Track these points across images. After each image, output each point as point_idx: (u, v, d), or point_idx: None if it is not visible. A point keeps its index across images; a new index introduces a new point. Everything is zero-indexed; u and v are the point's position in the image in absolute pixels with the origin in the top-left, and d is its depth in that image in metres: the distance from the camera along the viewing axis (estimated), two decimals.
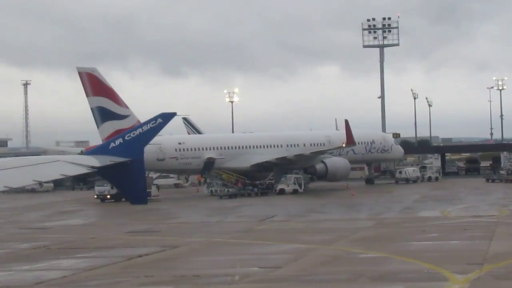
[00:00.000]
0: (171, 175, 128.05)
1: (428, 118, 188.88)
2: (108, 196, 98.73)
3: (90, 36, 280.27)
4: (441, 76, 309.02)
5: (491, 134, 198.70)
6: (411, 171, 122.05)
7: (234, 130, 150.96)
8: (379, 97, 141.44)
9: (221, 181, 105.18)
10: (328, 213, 73.52)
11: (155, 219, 72.47)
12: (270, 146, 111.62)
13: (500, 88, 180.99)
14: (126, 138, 30.75)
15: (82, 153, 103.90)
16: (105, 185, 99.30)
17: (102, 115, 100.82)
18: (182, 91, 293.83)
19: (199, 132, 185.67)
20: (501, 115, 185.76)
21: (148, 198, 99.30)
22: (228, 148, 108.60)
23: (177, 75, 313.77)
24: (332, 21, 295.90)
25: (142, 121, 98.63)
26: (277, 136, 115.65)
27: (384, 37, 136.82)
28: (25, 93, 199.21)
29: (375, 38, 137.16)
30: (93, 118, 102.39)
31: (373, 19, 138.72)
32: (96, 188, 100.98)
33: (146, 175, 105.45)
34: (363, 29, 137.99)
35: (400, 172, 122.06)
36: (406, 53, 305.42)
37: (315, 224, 62.16)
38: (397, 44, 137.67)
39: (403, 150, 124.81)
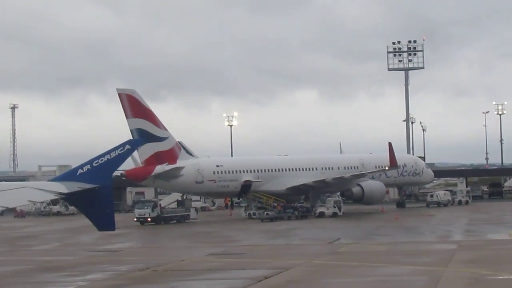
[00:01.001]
0: (193, 198, 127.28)
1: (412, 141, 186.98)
2: (149, 219, 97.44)
3: (68, 59, 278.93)
4: (419, 100, 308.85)
5: (487, 159, 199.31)
6: (442, 194, 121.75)
7: (221, 153, 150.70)
8: (404, 121, 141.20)
9: (259, 204, 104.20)
10: (392, 236, 72.67)
11: (217, 242, 71.36)
12: (305, 169, 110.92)
13: (500, 112, 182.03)
14: (94, 164, 30.99)
15: (122, 175, 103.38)
16: (146, 207, 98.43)
17: (142, 137, 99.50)
18: (159, 115, 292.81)
19: (192, 156, 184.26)
20: (501, 140, 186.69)
21: (187, 221, 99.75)
22: (265, 171, 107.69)
23: (154, 99, 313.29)
24: (310, 46, 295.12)
25: (177, 143, 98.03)
26: (312, 159, 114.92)
27: (409, 60, 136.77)
28: (13, 116, 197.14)
29: (400, 61, 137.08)
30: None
31: (398, 42, 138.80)
32: (136, 211, 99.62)
33: (185, 197, 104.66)
34: (388, 52, 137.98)
35: (432, 196, 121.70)
36: (387, 78, 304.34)
37: (396, 247, 61.22)
38: (422, 67, 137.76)
39: (433, 174, 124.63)
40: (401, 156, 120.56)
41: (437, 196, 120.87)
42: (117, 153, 31.15)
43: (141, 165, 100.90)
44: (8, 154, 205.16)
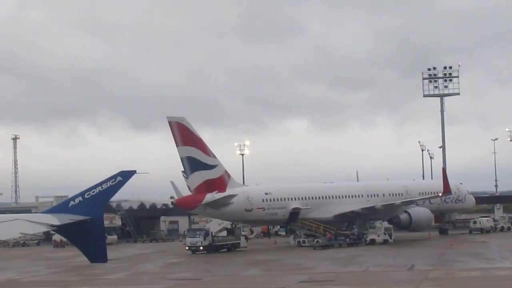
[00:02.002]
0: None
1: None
2: (201, 248, 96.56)
3: (59, 90, 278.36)
4: (409, 129, 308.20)
5: (496, 186, 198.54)
6: (485, 221, 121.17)
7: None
8: (440, 147, 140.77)
9: (308, 231, 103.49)
10: (465, 262, 71.93)
11: (291, 269, 70.70)
12: (352, 196, 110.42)
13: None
14: (85, 196, 31.16)
15: (172, 204, 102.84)
16: (197, 236, 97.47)
17: (192, 165, 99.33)
18: (148, 145, 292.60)
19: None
20: None
21: (237, 249, 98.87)
22: (312, 198, 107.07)
23: (145, 129, 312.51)
24: (302, 75, 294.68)
25: (226, 170, 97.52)
26: (358, 186, 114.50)
27: (445, 87, 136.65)
28: (14, 147, 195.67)
29: (435, 87, 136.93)
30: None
31: (434, 68, 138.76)
32: (188, 239, 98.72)
33: (235, 226, 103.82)
34: (423, 78, 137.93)
35: (475, 222, 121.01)
36: (377, 106, 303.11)
37: (487, 273, 60.54)
38: (458, 94, 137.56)
39: (474, 200, 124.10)
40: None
41: (480, 222, 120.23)
42: (108, 185, 31.21)
43: (191, 193, 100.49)
44: (10, 185, 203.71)
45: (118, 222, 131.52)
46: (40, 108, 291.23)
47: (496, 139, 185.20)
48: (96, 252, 31.53)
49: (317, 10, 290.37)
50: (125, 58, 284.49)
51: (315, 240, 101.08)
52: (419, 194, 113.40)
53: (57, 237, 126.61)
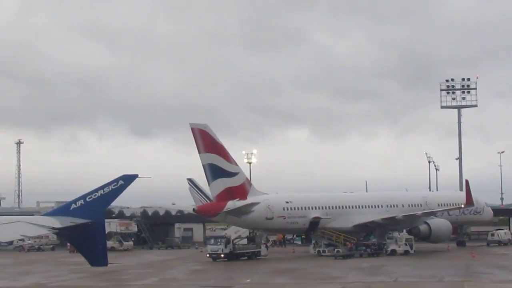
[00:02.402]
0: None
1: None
2: (222, 255, 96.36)
3: (60, 95, 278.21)
4: (410, 141, 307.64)
5: (502, 199, 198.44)
6: (503, 233, 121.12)
7: None
8: (457, 159, 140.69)
9: (328, 241, 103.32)
10: (494, 275, 71.79)
11: (319, 279, 70.61)
12: (371, 206, 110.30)
13: None
14: (87, 199, 31.04)
15: (194, 210, 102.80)
16: (218, 243, 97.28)
17: (213, 172, 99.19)
18: (148, 152, 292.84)
19: (205, 194, 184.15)
20: None
21: (258, 257, 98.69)
22: (332, 207, 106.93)
23: (144, 137, 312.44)
24: (303, 84, 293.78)
25: (247, 178, 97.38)
26: (377, 196, 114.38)
27: (463, 98, 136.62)
28: (18, 152, 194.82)
29: (453, 99, 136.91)
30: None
31: (452, 79, 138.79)
32: (209, 247, 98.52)
33: (255, 234, 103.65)
34: (441, 90, 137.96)
35: (493, 235, 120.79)
36: (378, 117, 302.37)
37: None
38: (475, 105, 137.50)
39: (492, 212, 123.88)
40: (462, 194, 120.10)
41: (498, 235, 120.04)
42: (110, 188, 31.19)
43: (213, 201, 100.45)
44: (13, 190, 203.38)
45: (134, 228, 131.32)
46: (40, 113, 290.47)
47: (502, 152, 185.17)
48: (97, 256, 31.56)
49: (320, 20, 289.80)
50: (127, 64, 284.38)
51: (336, 249, 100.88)
52: (438, 205, 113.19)
53: None
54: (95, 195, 31.04)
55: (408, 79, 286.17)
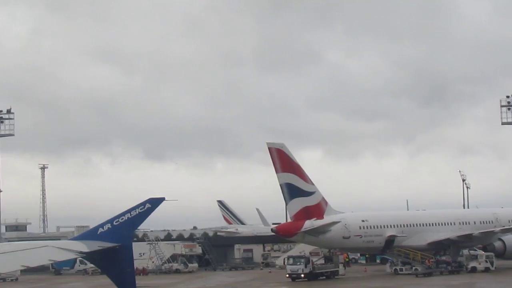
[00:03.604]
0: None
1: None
2: (302, 275, 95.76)
3: (73, 119, 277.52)
4: (423, 160, 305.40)
5: None
6: None
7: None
8: None
9: (404, 259, 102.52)
10: None
11: None
12: (444, 224, 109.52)
13: None
14: (114, 223, 30.86)
15: (272, 230, 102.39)
16: (298, 263, 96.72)
17: (290, 192, 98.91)
18: (162, 175, 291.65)
19: (235, 216, 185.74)
20: None
21: (336, 276, 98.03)
22: (407, 225, 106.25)
23: (158, 160, 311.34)
24: (316, 105, 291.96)
25: (323, 197, 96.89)
26: (450, 214, 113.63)
27: None
28: (42, 176, 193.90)
29: None
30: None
31: None
32: (288, 267, 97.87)
33: (333, 253, 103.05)
34: (501, 106, 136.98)
35: None
36: (392, 136, 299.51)
37: None
38: None
39: None
40: None
41: None
42: (137, 212, 31.10)
43: (290, 220, 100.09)
44: (39, 215, 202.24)
45: (198, 250, 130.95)
46: (53, 138, 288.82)
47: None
48: (125, 280, 31.28)
49: (333, 39, 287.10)
50: (139, 87, 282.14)
51: (414, 267, 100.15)
52: (509, 221, 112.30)
53: (138, 264, 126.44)
54: (122, 218, 30.96)
55: (423, 98, 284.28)
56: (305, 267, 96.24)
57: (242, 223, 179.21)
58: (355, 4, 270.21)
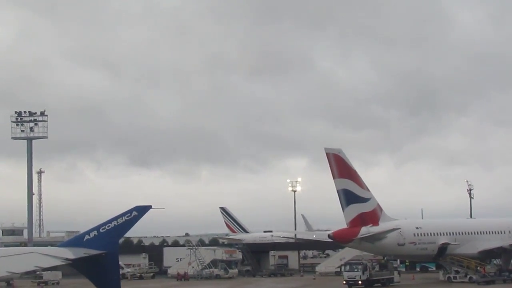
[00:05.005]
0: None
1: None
2: (360, 282, 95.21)
3: (58, 125, 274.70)
4: (409, 169, 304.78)
5: None
6: None
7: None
8: None
9: (459, 267, 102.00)
10: None
11: None
12: (495, 232, 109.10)
13: None
14: (101, 230, 30.86)
15: (329, 236, 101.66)
16: (355, 270, 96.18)
17: (347, 198, 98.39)
18: (147, 181, 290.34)
19: (237, 222, 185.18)
20: None
21: (391, 284, 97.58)
22: (459, 233, 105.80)
23: (143, 165, 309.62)
24: (304, 112, 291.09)
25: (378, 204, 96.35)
26: (500, 222, 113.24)
27: None
28: (39, 181, 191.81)
29: None
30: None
31: None
32: (345, 273, 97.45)
33: (385, 260, 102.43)
34: None
35: None
36: (379, 145, 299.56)
37: None
38: None
39: None
40: None
41: None
42: (124, 219, 31.03)
43: (347, 226, 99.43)
44: (35, 219, 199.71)
45: (238, 256, 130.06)
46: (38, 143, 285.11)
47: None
48: (111, 287, 31.25)
49: (323, 46, 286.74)
50: (126, 93, 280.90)
51: (468, 276, 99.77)
52: None
53: (176, 270, 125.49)
54: (109, 226, 30.80)
55: (411, 107, 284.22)
56: (363, 274, 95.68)
57: (245, 231, 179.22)
58: (347, 12, 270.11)
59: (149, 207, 31.59)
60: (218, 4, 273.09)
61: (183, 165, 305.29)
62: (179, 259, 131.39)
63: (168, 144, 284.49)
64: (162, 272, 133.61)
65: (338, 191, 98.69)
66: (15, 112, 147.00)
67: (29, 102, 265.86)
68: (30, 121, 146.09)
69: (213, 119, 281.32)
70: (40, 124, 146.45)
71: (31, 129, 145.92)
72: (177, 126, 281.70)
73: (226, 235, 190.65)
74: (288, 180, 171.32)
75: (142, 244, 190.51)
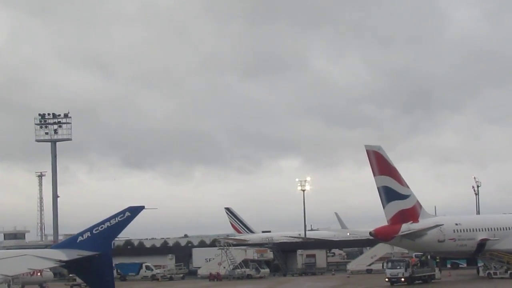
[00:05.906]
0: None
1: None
2: (402, 279, 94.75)
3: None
4: (403, 168, 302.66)
5: None
6: None
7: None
8: None
9: (499, 263, 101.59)
10: None
11: None
12: None
13: None
14: (94, 231, 31.19)
15: (370, 234, 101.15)
16: (398, 267, 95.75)
17: (388, 195, 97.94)
18: (141, 183, 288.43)
19: (243, 223, 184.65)
20: None
21: (433, 281, 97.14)
22: (498, 229, 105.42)
23: (137, 166, 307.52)
24: (298, 113, 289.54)
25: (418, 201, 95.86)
26: None
27: None
28: (40, 184, 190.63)
29: None
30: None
31: None
32: (388, 271, 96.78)
33: (427, 257, 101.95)
34: None
35: None
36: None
37: None
38: None
39: None
40: None
41: None
42: (117, 220, 31.33)
43: (387, 224, 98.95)
44: (36, 223, 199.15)
45: (269, 255, 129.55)
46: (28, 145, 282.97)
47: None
48: None
49: (317, 46, 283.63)
50: (119, 94, 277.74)
51: (509, 271, 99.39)
52: None
53: (207, 270, 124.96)
54: (102, 227, 31.04)
55: (405, 105, 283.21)
56: (405, 271, 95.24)
57: (251, 231, 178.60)
58: (341, 11, 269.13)
59: (142, 207, 31.71)
60: (212, 4, 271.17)
61: (177, 166, 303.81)
62: (208, 260, 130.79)
63: (162, 145, 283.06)
64: (191, 273, 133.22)
65: (378, 188, 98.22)
66: (39, 114, 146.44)
67: (24, 103, 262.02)
68: (54, 123, 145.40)
69: (207, 119, 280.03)
70: (64, 126, 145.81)
71: (55, 131, 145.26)
72: (170, 127, 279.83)
73: (227, 235, 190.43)
74: (297, 179, 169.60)
75: (168, 245, 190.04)
